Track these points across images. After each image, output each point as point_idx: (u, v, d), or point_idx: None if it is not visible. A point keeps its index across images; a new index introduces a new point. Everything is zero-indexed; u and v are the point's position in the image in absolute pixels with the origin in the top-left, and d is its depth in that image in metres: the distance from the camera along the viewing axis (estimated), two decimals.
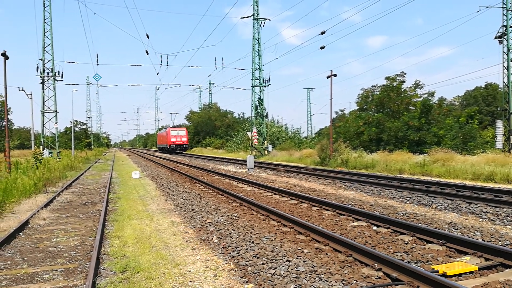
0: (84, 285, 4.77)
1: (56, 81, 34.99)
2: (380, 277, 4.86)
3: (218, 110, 77.82)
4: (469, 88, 62.88)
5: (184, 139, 55.60)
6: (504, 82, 28.21)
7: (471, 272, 4.91)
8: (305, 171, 20.29)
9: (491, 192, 10.97)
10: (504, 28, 27.61)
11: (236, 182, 16.41)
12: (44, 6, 34.19)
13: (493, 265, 5.13)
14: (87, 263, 5.73)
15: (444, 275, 4.71)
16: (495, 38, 28.84)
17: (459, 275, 4.83)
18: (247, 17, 38.70)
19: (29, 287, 4.86)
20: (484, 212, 8.69)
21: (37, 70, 33.79)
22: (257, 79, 39.55)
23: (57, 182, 17.29)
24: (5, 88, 17.40)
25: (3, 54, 17.57)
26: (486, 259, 5.36)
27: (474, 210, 8.93)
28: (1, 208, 10.07)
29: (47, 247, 6.72)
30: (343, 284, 4.58)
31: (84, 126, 79.32)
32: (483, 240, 6.44)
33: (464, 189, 11.84)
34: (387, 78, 34.29)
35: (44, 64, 34.20)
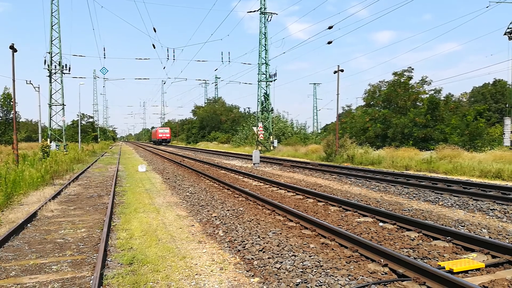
0: (92, 277, 4.82)
1: (63, 74, 35.14)
2: (386, 273, 4.85)
3: (224, 104, 77.91)
4: (477, 85, 62.34)
5: (168, 135, 79.15)
6: None
7: (478, 269, 4.89)
8: (311, 166, 20.27)
9: (498, 189, 10.89)
10: None
11: (241, 177, 16.44)
12: None
13: (500, 263, 5.11)
14: (95, 255, 5.78)
15: (450, 271, 4.70)
16: (505, 34, 28.51)
17: (466, 272, 4.81)
18: (254, 11, 38.53)
19: (37, 278, 4.92)
20: (491, 210, 8.64)
21: (45, 63, 33.95)
22: (264, 74, 39.44)
23: (64, 175, 17.43)
24: (13, 81, 17.52)
25: (11, 47, 17.67)
26: (493, 257, 5.34)
27: (481, 207, 8.88)
28: (9, 200, 10.17)
29: (55, 238, 6.79)
30: (349, 279, 4.59)
31: (91, 120, 79.75)
32: (490, 237, 6.41)
33: (471, 186, 11.76)
34: (395, 74, 34.07)
35: (51, 57, 34.34)
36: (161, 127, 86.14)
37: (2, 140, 39.26)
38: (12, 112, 40.48)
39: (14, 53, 17.57)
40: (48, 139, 34.67)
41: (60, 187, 12.94)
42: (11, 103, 42.29)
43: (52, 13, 34.26)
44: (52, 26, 34.30)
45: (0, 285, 4.68)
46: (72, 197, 11.35)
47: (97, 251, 5.91)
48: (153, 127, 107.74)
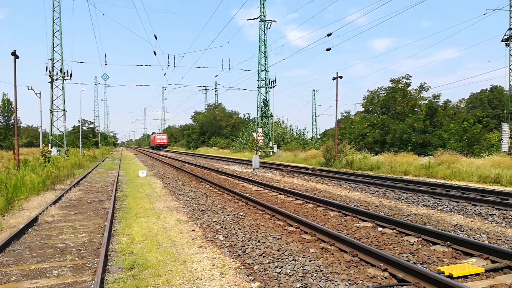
0: (93, 281, 4.84)
1: (64, 80, 35.30)
2: (386, 278, 4.88)
3: (224, 110, 78.14)
4: (475, 91, 62.59)
5: (165, 140, 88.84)
6: (510, 84, 28.05)
7: (478, 274, 4.91)
8: (310, 171, 20.30)
9: (497, 194, 10.93)
10: (511, 31, 27.45)
11: (241, 182, 16.46)
12: (53, 6, 34.47)
13: (499, 268, 5.13)
14: (96, 259, 5.80)
15: (450, 276, 4.73)
16: (502, 41, 28.71)
17: (465, 276, 4.83)
18: (254, 18, 38.78)
19: (38, 282, 4.94)
20: (490, 215, 8.67)
21: (46, 69, 34.08)
22: (263, 80, 39.61)
23: (65, 180, 17.45)
24: (15, 87, 17.60)
25: (13, 54, 17.77)
26: (493, 261, 5.36)
27: (480, 213, 8.91)
28: (10, 205, 10.19)
29: (56, 243, 6.81)
30: (349, 284, 4.62)
31: (92, 125, 79.80)
32: (489, 242, 6.43)
33: (469, 191, 11.79)
34: (392, 81, 34.24)
35: (53, 63, 34.50)
36: (159, 133, 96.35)
37: (3, 146, 39.25)
38: (12, 118, 40.48)
39: (16, 60, 17.67)
40: (49, 145, 34.71)
41: (61, 192, 12.96)
42: (11, 109, 42.38)
43: (54, 20, 34.49)
44: (54, 33, 34.50)
45: None
46: (73, 202, 11.37)
47: (98, 255, 5.93)
48: (153, 133, 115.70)
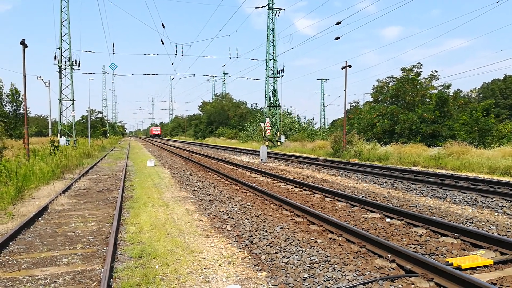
0: (102, 269, 4.91)
1: (73, 70, 35.41)
2: (393, 269, 4.87)
3: (231, 100, 78.06)
4: (487, 81, 61.59)
5: (159, 131, 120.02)
6: None
7: (486, 266, 4.87)
8: (318, 162, 20.24)
9: (507, 186, 10.79)
10: None
11: (249, 172, 16.49)
12: None
13: (508, 260, 5.08)
14: (105, 248, 5.87)
15: (458, 268, 4.70)
16: None
17: (474, 268, 4.80)
18: (262, 6, 38.42)
19: (49, 270, 5.01)
20: (500, 206, 8.58)
21: (55, 59, 34.21)
22: (271, 70, 39.36)
23: (74, 169, 17.64)
24: (24, 76, 17.71)
25: (22, 43, 17.85)
26: (502, 253, 5.32)
27: (490, 204, 8.82)
28: (21, 194, 10.34)
29: (66, 232, 6.90)
30: (357, 274, 4.61)
31: (100, 115, 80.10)
32: (498, 234, 6.38)
33: (479, 182, 11.67)
34: (403, 69, 33.82)
35: (61, 53, 34.60)
36: (154, 126, 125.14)
37: (12, 135, 39.70)
38: (22, 107, 40.85)
39: (25, 49, 17.75)
40: (58, 134, 35.03)
41: (70, 181, 13.11)
42: (19, 99, 42.72)
43: (62, 9, 34.49)
44: (62, 22, 34.54)
45: (13, 277, 4.78)
46: (82, 191, 11.50)
47: (107, 244, 6.00)
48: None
